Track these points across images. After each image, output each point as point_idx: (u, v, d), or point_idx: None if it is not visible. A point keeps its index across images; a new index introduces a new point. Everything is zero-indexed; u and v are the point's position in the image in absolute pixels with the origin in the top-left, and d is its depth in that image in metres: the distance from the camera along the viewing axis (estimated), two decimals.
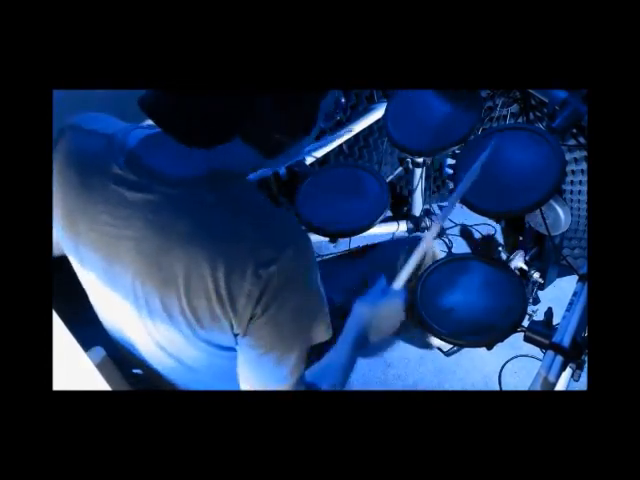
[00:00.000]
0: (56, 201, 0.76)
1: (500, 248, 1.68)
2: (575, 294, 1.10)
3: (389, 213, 1.89)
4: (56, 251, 0.84)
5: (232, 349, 0.77)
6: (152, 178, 0.70)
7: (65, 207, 0.76)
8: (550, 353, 0.99)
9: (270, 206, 0.74)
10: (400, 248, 1.29)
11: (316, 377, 0.83)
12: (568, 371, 1.01)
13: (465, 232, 1.95)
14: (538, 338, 1.04)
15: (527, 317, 1.14)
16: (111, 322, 0.88)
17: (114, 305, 0.80)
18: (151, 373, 0.89)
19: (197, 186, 0.70)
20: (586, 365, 1.01)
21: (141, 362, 0.89)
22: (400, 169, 1.83)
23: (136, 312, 0.77)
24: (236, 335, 0.73)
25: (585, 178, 1.54)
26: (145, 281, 0.72)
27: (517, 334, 1.09)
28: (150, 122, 0.70)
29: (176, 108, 0.67)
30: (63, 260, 0.84)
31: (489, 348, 1.09)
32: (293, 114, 0.70)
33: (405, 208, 1.87)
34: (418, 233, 1.79)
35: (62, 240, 0.80)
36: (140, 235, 0.70)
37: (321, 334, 0.78)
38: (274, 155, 0.74)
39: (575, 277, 1.15)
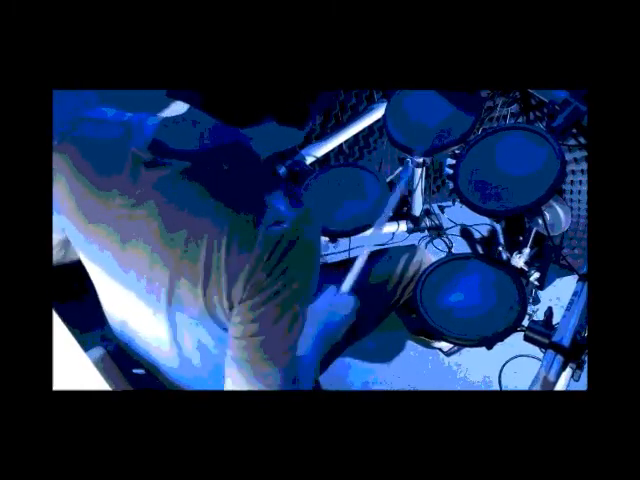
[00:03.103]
0: (68, 194, 0.75)
1: (500, 248, 1.68)
2: (575, 294, 1.10)
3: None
4: (59, 253, 0.84)
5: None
6: (168, 154, 0.70)
7: (77, 198, 0.75)
8: (550, 353, 0.99)
9: (279, 178, 0.75)
10: (398, 256, 1.30)
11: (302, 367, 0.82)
12: (568, 371, 1.01)
13: (465, 232, 1.95)
14: (538, 338, 1.04)
15: (527, 317, 1.14)
16: (118, 316, 0.87)
17: (122, 297, 0.80)
18: (153, 369, 0.89)
19: (212, 156, 0.70)
20: (586, 365, 1.01)
21: (144, 358, 0.88)
22: (400, 169, 1.82)
23: (145, 302, 0.77)
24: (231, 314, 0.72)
25: (585, 178, 1.54)
26: (158, 265, 0.72)
27: (517, 334, 1.09)
28: (164, 114, 0.70)
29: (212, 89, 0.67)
30: (63, 261, 0.84)
31: (489, 348, 1.09)
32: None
33: (405, 208, 1.87)
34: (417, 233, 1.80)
35: (71, 234, 0.79)
36: (153, 212, 0.70)
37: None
38: (305, 124, 0.75)
39: (575, 277, 1.15)
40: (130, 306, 0.80)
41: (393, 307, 1.30)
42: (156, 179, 0.70)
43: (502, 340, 1.09)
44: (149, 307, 0.77)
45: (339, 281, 1.12)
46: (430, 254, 1.37)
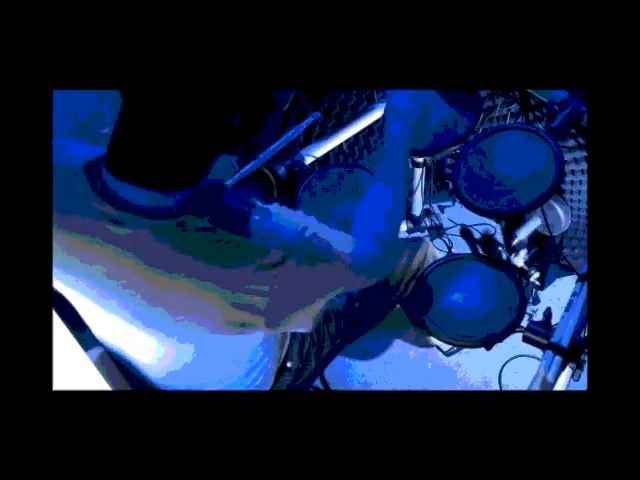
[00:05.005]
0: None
1: (500, 248, 1.68)
2: (574, 294, 1.10)
3: None
4: None
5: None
6: (134, 212, 0.68)
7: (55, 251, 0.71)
8: (549, 353, 0.99)
9: (253, 209, 0.73)
10: (402, 249, 1.29)
11: None
12: (568, 371, 1.01)
13: (465, 232, 1.95)
14: (537, 338, 1.04)
15: (527, 317, 1.14)
16: (113, 341, 0.86)
17: (112, 324, 0.79)
18: (151, 384, 0.89)
19: (185, 213, 0.69)
20: (586, 365, 1.01)
21: (142, 375, 0.88)
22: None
23: (142, 332, 0.77)
24: None
25: (585, 178, 1.54)
26: (150, 310, 0.72)
27: (517, 334, 1.09)
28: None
29: (150, 161, 0.66)
30: None
31: (489, 348, 1.10)
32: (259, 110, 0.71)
33: (405, 208, 1.86)
34: (418, 233, 1.80)
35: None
36: (135, 270, 0.69)
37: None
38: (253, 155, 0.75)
39: (575, 277, 1.15)
40: (130, 334, 0.80)
41: (397, 300, 1.29)
42: (130, 238, 0.68)
43: (501, 340, 1.09)
44: (151, 336, 0.78)
45: None
46: (434, 248, 1.37)
